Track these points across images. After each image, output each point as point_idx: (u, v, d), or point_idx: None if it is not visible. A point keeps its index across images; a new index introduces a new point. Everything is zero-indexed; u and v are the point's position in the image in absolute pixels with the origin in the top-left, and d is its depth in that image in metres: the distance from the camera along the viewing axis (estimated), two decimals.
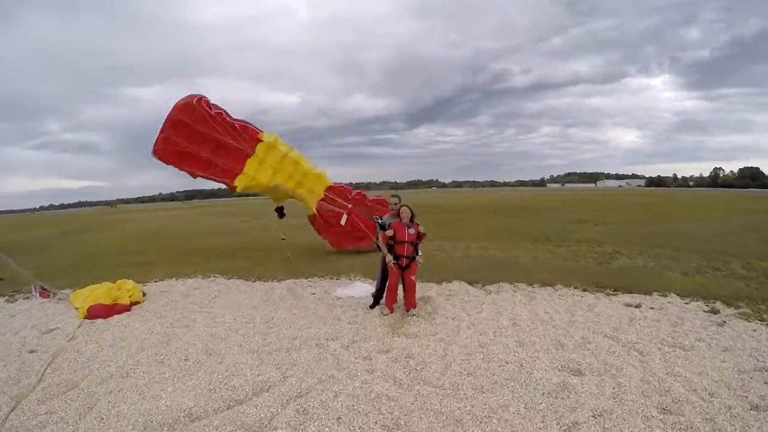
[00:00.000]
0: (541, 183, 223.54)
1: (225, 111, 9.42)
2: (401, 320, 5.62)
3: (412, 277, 5.88)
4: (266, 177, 9.57)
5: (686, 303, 6.11)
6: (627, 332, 4.98)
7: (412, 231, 5.82)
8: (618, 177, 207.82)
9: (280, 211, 10.83)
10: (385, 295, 6.02)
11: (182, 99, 9.08)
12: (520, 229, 16.14)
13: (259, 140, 9.61)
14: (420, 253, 5.92)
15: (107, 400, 3.83)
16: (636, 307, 5.97)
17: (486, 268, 8.77)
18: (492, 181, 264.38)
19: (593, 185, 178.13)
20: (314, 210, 10.47)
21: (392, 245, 5.83)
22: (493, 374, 4.05)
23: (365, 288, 7.24)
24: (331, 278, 8.34)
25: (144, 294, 7.73)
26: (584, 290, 6.87)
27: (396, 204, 6.08)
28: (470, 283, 7.51)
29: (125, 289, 7.49)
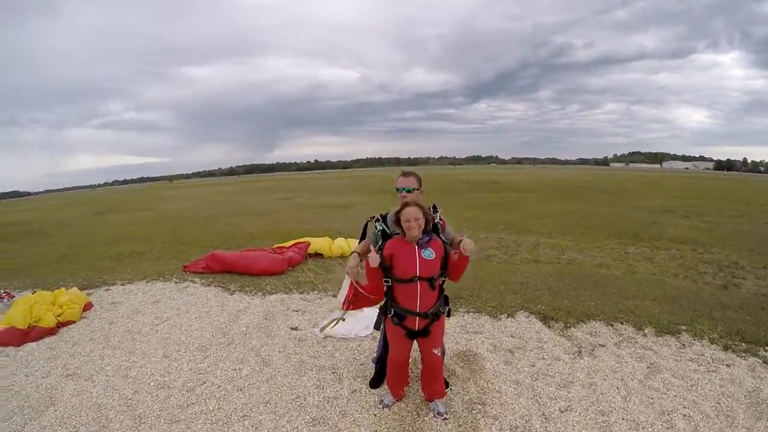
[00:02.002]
0: (605, 162, 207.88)
1: None
2: (413, 424, 2.90)
3: (436, 351, 2.92)
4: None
5: None
6: None
7: (430, 254, 2.71)
8: (684, 158, 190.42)
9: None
10: (387, 374, 3.24)
11: None
12: (598, 218, 12.89)
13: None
14: (448, 306, 2.92)
15: None
16: None
17: (566, 286, 6.01)
18: (553, 158, 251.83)
19: (658, 166, 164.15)
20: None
21: (391, 287, 2.81)
22: None
23: (369, 321, 4.08)
24: (336, 296, 5.87)
25: (89, 307, 5.87)
26: (725, 347, 4.05)
27: (406, 191, 2.91)
28: (544, 319, 4.79)
29: (58, 304, 5.55)
